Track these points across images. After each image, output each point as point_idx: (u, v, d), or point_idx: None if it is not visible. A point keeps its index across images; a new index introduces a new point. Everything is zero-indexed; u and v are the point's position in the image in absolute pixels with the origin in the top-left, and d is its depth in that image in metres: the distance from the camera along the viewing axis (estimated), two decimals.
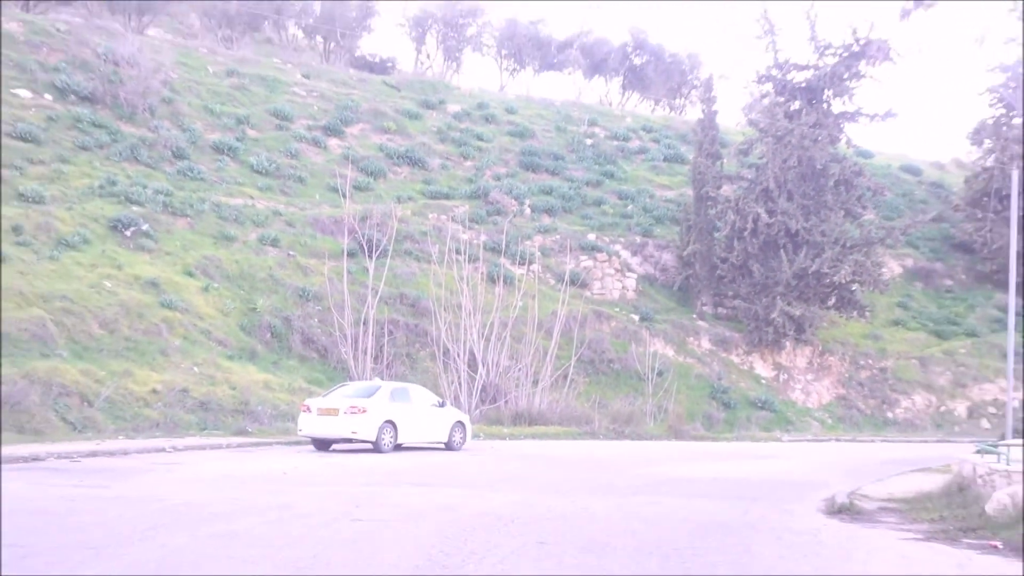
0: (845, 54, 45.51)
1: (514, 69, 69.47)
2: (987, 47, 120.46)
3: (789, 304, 43.09)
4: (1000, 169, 49.61)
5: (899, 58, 45.45)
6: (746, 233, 44.04)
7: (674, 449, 30.97)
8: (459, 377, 35.04)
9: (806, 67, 46.41)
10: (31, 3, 49.84)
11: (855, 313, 45.59)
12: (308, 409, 25.47)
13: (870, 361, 46.13)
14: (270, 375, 31.76)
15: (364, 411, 24.98)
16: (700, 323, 45.07)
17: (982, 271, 52.78)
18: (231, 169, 42.85)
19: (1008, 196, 35.97)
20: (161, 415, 26.76)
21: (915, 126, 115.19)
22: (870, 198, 47.96)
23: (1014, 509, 13.78)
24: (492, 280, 39.45)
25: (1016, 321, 30.83)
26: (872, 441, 38.96)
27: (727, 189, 47.12)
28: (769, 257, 44.07)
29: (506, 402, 35.54)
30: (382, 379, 30.49)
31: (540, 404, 35.66)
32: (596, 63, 69.25)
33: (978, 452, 19.45)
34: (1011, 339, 29.59)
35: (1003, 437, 26.24)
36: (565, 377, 36.96)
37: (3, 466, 18.41)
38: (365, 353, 34.18)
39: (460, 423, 27.76)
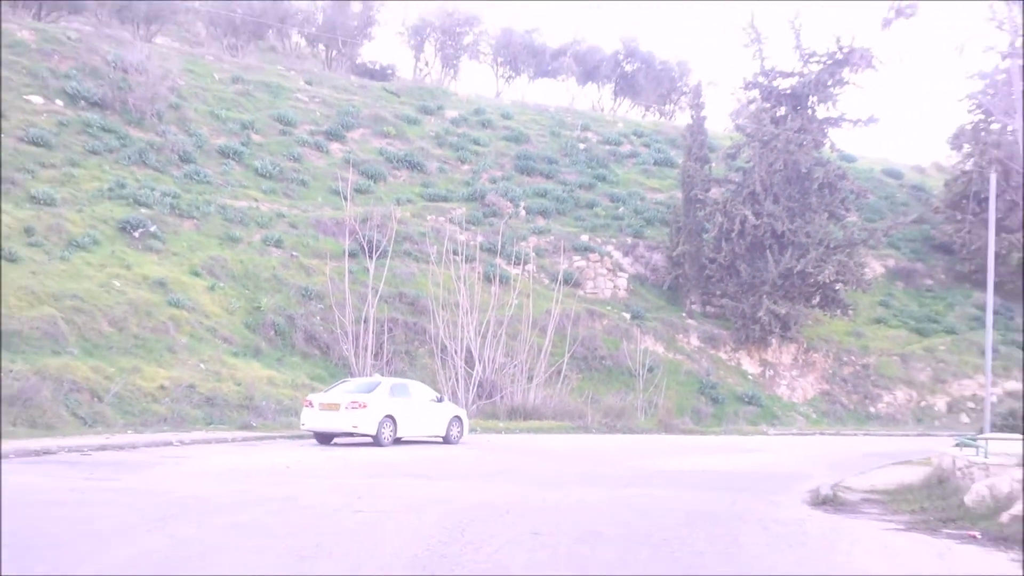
0: (829, 62, 45.53)
1: (509, 76, 69.39)
2: (966, 55, 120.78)
3: (775, 303, 43.11)
4: (979, 173, 49.66)
5: (881, 65, 45.52)
6: (733, 234, 44.06)
7: (664, 443, 31.01)
8: (456, 373, 35.05)
9: (791, 74, 46.44)
10: (43, 12, 49.75)
11: (839, 311, 45.63)
12: (310, 404, 25.51)
13: (853, 358, 46.18)
14: (274, 371, 31.75)
15: (365, 406, 25.01)
16: (689, 321, 45.09)
17: (961, 271, 52.87)
18: (236, 172, 42.80)
19: (986, 199, 35.95)
20: (168, 410, 26.73)
21: (896, 131, 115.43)
22: (853, 201, 48.02)
23: (992, 500, 13.81)
24: (488, 280, 39.43)
25: (994, 319, 30.80)
26: (855, 435, 39.01)
27: (715, 192, 47.11)
28: (756, 257, 44.10)
29: (502, 397, 35.54)
30: (382, 375, 30.49)
31: (535, 399, 35.67)
32: (589, 70, 69.22)
33: (957, 446, 19.47)
34: (989, 336, 29.59)
35: (981, 431, 26.24)
36: (559, 373, 36.96)
37: (17, 459, 18.40)
38: (366, 350, 34.18)
39: (457, 418, 27.78)
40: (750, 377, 43.63)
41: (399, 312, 37.42)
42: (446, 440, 27.21)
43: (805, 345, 45.57)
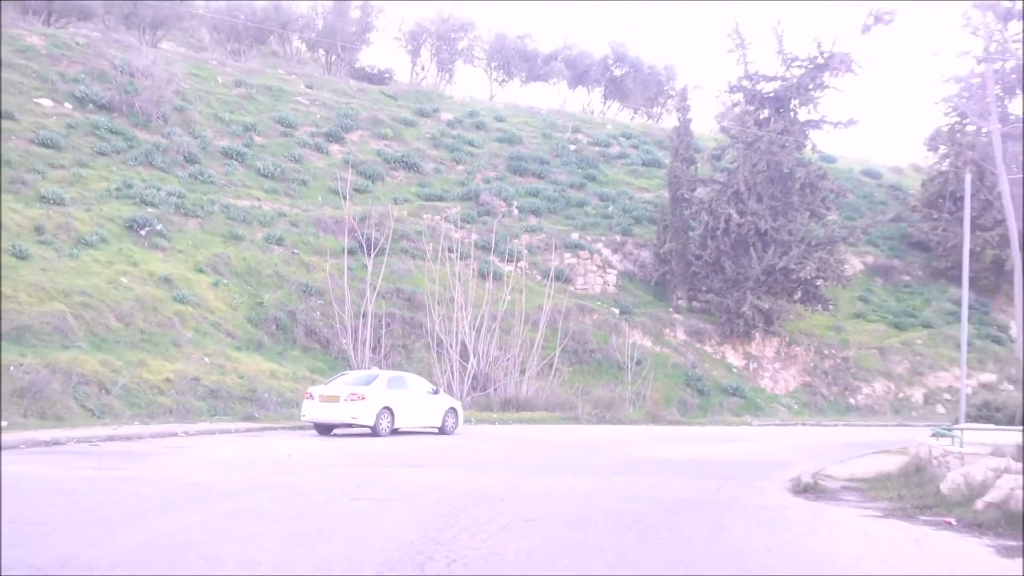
0: (810, 66, 45.54)
1: (503, 80, 69.40)
2: (942, 59, 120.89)
3: (758, 298, 43.16)
4: (954, 173, 49.75)
5: (860, 70, 45.51)
6: (718, 232, 44.09)
7: (652, 433, 31.04)
8: (452, 366, 35.07)
9: (774, 78, 46.44)
10: (52, 18, 49.63)
11: (819, 306, 45.70)
12: (311, 396, 25.51)
13: (833, 351, 46.24)
14: (276, 365, 31.74)
15: (363, 398, 25.02)
16: (676, 316, 45.11)
17: (937, 267, 52.97)
18: (239, 173, 42.74)
19: (961, 198, 36.05)
20: (174, 402, 26.73)
21: (875, 133, 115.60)
22: (833, 200, 48.09)
23: (967, 488, 13.85)
24: (482, 276, 39.42)
25: (969, 314, 30.90)
26: (835, 425, 39.05)
27: (701, 191, 47.12)
28: (740, 255, 44.13)
29: (495, 389, 35.56)
30: (380, 368, 30.51)
31: (527, 391, 35.69)
32: (579, 74, 69.20)
33: (934, 436, 19.50)
34: (964, 330, 29.71)
35: (957, 421, 26.33)
36: (550, 366, 37.00)
37: (28, 450, 18.39)
38: (364, 344, 34.17)
39: (453, 409, 27.80)
40: (734, 370, 43.68)
41: (396, 307, 37.41)
42: (442, 431, 27.22)
43: (787, 339, 45.63)
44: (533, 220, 47.74)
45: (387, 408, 25.55)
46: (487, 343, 36.13)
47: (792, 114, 46.45)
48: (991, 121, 43.98)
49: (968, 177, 32.15)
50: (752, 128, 45.27)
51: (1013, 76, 47.54)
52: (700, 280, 45.55)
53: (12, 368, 23.84)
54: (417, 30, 66.86)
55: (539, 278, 42.53)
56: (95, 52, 45.56)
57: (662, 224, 46.52)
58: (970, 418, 26.33)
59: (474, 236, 42.57)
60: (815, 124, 46.64)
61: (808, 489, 15.83)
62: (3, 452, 17.58)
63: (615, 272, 46.69)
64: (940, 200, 52.54)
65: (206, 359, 29.79)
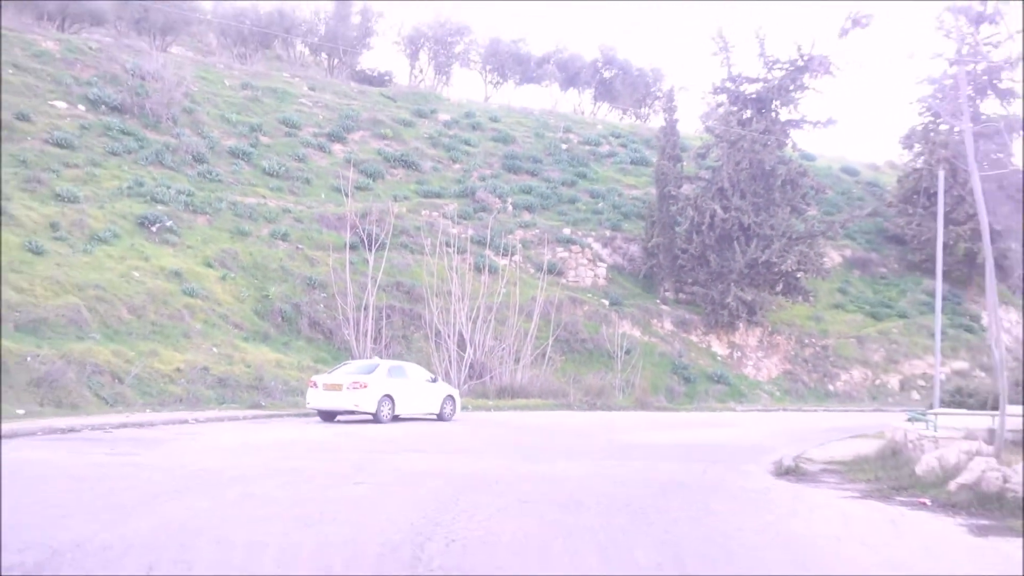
0: (791, 68, 45.50)
1: (497, 82, 69.34)
2: (917, 61, 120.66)
3: (742, 290, 43.20)
4: (928, 170, 49.73)
5: (838, 72, 45.53)
6: (704, 227, 44.09)
7: (640, 419, 31.04)
8: (449, 356, 35.05)
9: (756, 80, 46.39)
10: (66, 23, 49.46)
11: (800, 298, 45.72)
12: (315, 385, 25.50)
13: (813, 340, 46.29)
14: (281, 355, 31.71)
15: (365, 386, 25.02)
16: (663, 307, 45.12)
17: (912, 260, 53.01)
18: (245, 172, 42.65)
19: (935, 194, 36.04)
20: (184, 391, 26.69)
21: (853, 132, 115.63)
22: (813, 196, 48.14)
23: (941, 470, 13.87)
24: (478, 270, 39.40)
25: (942, 304, 30.92)
26: (815, 411, 39.12)
27: (687, 188, 47.07)
28: (724, 248, 44.13)
29: (491, 378, 35.55)
30: (381, 358, 30.48)
31: (521, 379, 35.69)
32: (570, 76, 69.14)
33: (909, 420, 19.55)
34: (938, 320, 29.72)
35: (931, 406, 26.35)
36: (543, 355, 37.00)
37: (44, 437, 18.35)
38: (365, 335, 34.15)
39: (450, 396, 27.80)
40: (719, 358, 43.70)
41: (396, 300, 37.37)
42: (440, 417, 27.21)
43: (769, 329, 45.67)
44: (527, 216, 47.70)
45: (388, 396, 25.56)
46: (483, 334, 36.12)
47: (774, 114, 46.41)
48: (963, 120, 43.70)
49: (941, 174, 32.09)
50: (735, 128, 45.25)
51: (984, 77, 47.59)
52: (686, 273, 45.54)
53: (29, 359, 23.81)
54: (415, 34, 66.79)
55: (532, 271, 42.49)
56: (107, 56, 45.43)
57: (650, 219, 46.52)
58: (944, 403, 26.35)
59: (470, 231, 42.50)
60: (795, 124, 46.62)
61: (790, 472, 15.85)
62: (21, 439, 17.57)
63: (605, 265, 46.67)
64: (915, 196, 52.55)
65: (215, 349, 29.76)
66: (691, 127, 60.25)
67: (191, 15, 58.03)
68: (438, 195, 47.44)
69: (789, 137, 46.88)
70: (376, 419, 25.15)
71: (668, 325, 44.13)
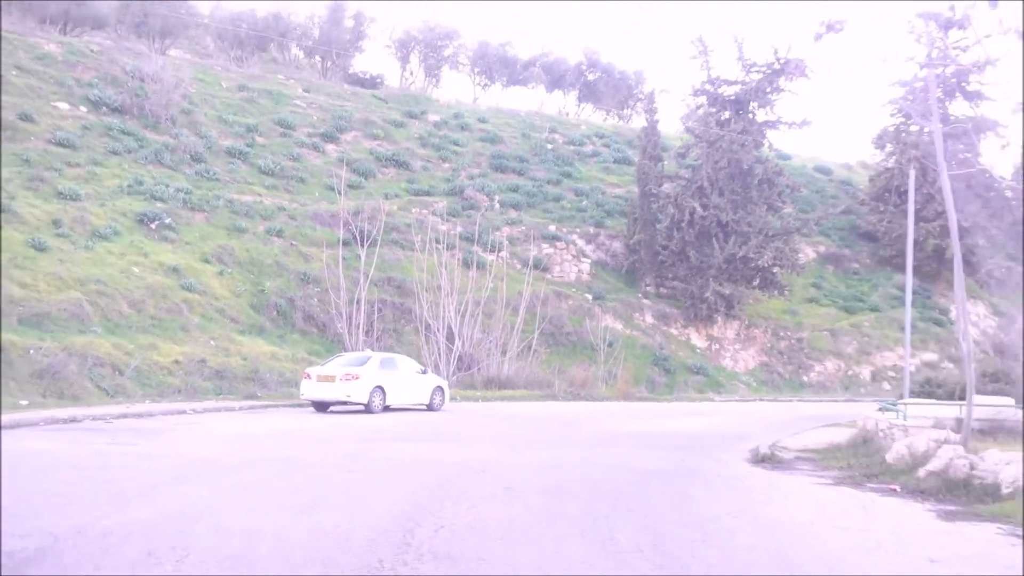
0: (767, 71, 45.60)
1: (485, 84, 69.21)
2: (889, 65, 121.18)
3: (720, 285, 43.30)
4: (899, 169, 49.89)
5: (813, 74, 45.55)
6: (684, 224, 44.16)
7: (622, 409, 31.12)
8: (439, 348, 35.04)
9: (734, 82, 46.46)
10: (68, 27, 49.20)
11: (776, 292, 45.84)
12: (309, 376, 25.49)
13: (788, 333, 46.42)
14: (276, 347, 31.64)
15: (357, 378, 25.01)
16: (644, 301, 45.17)
17: (884, 256, 53.18)
18: (242, 171, 42.51)
19: (906, 192, 36.14)
20: (182, 382, 26.61)
21: (827, 132, 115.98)
22: (789, 194, 48.26)
23: (910, 458, 13.95)
24: (467, 265, 39.37)
25: (912, 298, 31.05)
26: (790, 401, 39.26)
27: (667, 187, 47.12)
28: (703, 245, 44.21)
29: (479, 369, 35.55)
30: (372, 350, 30.44)
31: (508, 371, 35.70)
32: (555, 79, 69.07)
33: (880, 410, 19.65)
34: (908, 314, 29.87)
35: (901, 397, 26.50)
36: (529, 348, 37.02)
37: (46, 427, 18.29)
38: (358, 328, 34.11)
39: (440, 388, 27.81)
40: (698, 350, 43.80)
41: (387, 294, 37.33)
42: (430, 408, 27.21)
43: (747, 322, 45.78)
44: (513, 213, 47.67)
45: (379, 387, 25.55)
46: (471, 327, 36.10)
47: (751, 115, 46.51)
48: (933, 122, 43.80)
49: (912, 173, 32.26)
50: (714, 128, 45.34)
51: (953, 80, 47.74)
52: (667, 268, 45.58)
53: (32, 351, 23.72)
54: (406, 38, 66.64)
55: (519, 267, 42.49)
56: (108, 59, 45.22)
57: (632, 217, 46.55)
58: (913, 394, 26.50)
59: (459, 228, 42.48)
60: (772, 124, 46.73)
61: (765, 460, 15.91)
62: (24, 429, 17.51)
63: (589, 261, 46.70)
64: (886, 194, 52.72)
65: (212, 342, 29.68)
66: (672, 128, 60.26)
67: (189, 19, 57.76)
68: (428, 193, 47.38)
69: (766, 137, 47.00)
70: (368, 409, 25.14)
71: (649, 318, 44.19)
